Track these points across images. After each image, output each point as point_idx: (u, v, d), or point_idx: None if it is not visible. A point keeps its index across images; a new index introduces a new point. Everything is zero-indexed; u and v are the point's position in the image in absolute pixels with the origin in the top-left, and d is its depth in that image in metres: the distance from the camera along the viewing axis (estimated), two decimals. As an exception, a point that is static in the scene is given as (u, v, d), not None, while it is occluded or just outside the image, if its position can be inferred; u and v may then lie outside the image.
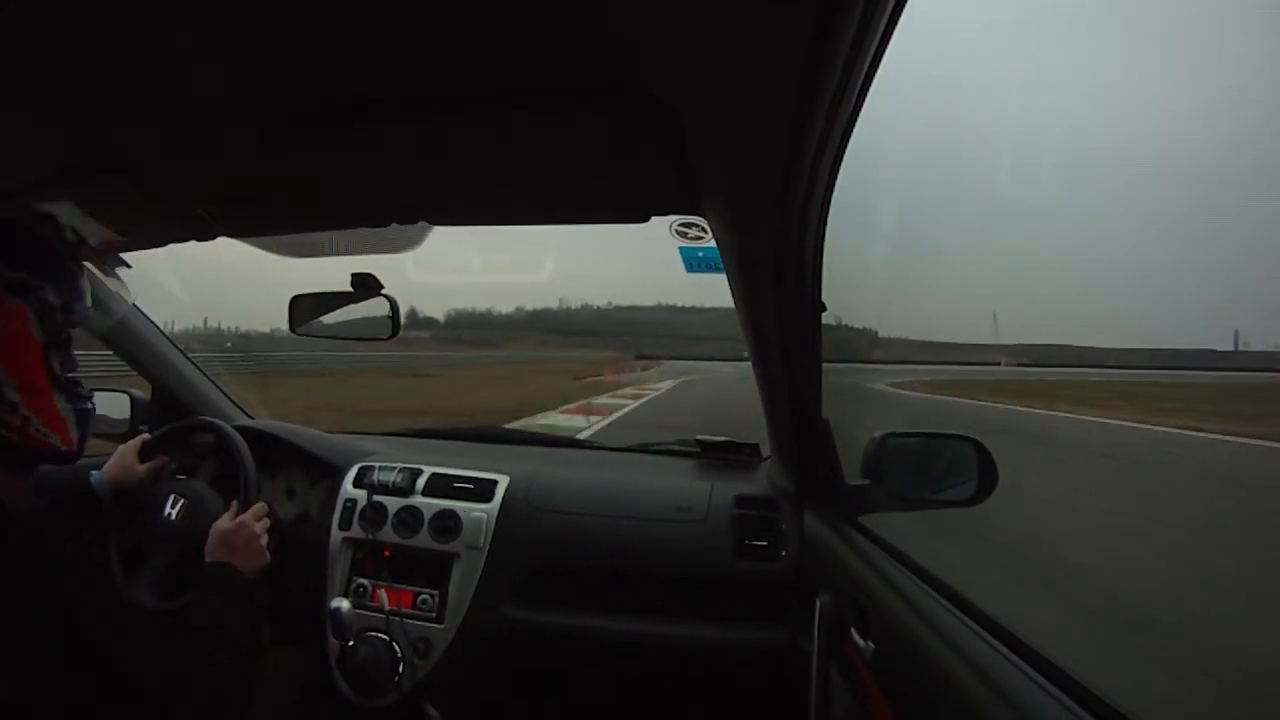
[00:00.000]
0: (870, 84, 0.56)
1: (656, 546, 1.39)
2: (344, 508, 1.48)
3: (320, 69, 0.60)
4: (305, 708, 1.32)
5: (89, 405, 0.89)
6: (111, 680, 0.74)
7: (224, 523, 1.13)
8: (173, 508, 1.27)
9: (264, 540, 1.14)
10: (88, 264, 1.32)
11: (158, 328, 1.67)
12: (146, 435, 1.37)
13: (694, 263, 1.13)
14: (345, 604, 1.33)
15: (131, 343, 1.61)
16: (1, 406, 0.79)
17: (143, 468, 1.33)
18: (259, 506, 1.20)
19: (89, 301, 0.91)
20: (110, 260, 1.14)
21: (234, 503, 1.20)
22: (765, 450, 1.62)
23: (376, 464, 1.53)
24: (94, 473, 1.28)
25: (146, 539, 1.29)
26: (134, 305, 1.54)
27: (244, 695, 0.90)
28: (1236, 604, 3.38)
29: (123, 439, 1.36)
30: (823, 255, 0.90)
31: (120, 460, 1.32)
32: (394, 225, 1.01)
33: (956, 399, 17.35)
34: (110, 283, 1.55)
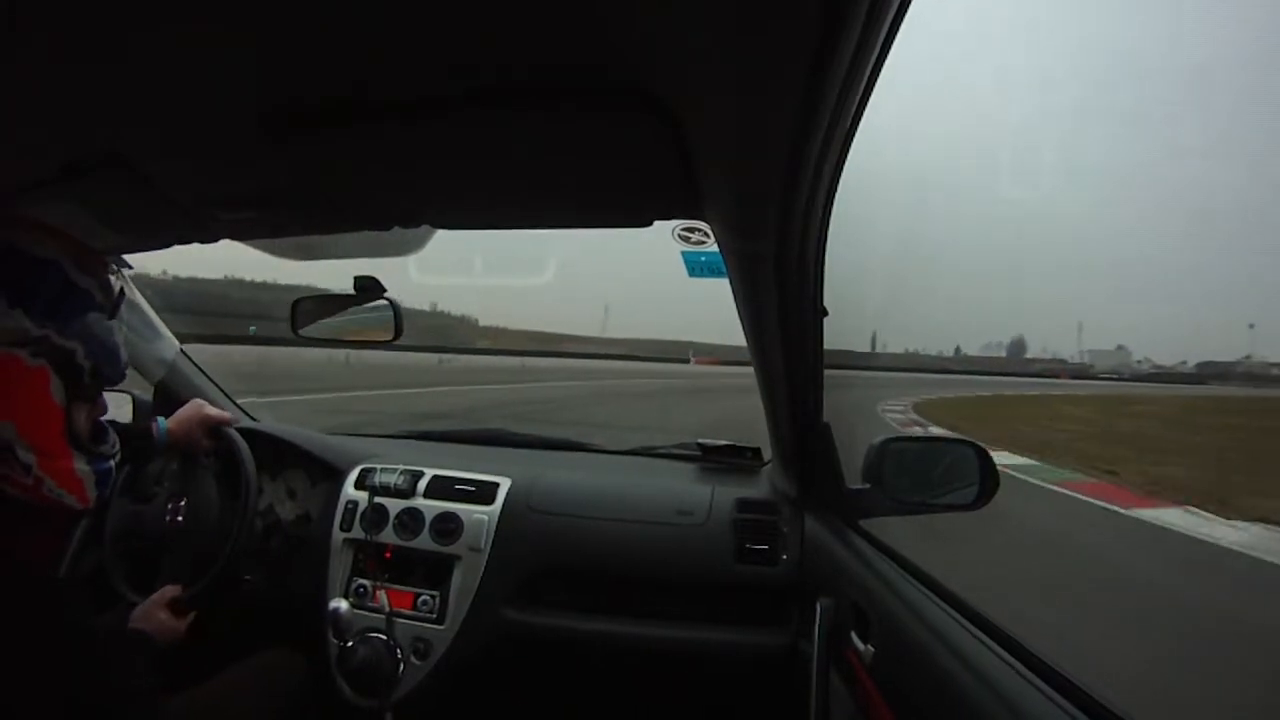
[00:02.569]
0: (874, 86, 0.56)
1: (657, 550, 1.39)
2: (345, 509, 1.49)
3: (322, 70, 0.60)
4: (303, 708, 1.32)
5: (109, 464, 0.87)
6: None
7: (159, 606, 1.13)
8: (177, 514, 1.29)
9: (171, 623, 1.12)
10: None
11: (159, 328, 1.67)
12: (227, 414, 1.40)
13: (696, 266, 1.13)
14: (344, 605, 1.34)
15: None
16: (14, 466, 0.76)
17: (207, 443, 1.35)
18: (168, 589, 1.17)
19: (123, 361, 0.87)
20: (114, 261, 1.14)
21: (164, 589, 1.17)
22: (767, 454, 1.62)
23: (378, 466, 1.53)
24: (160, 419, 1.29)
25: (147, 537, 1.30)
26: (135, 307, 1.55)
27: None
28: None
29: None
30: (824, 258, 0.91)
31: (188, 425, 1.32)
32: (396, 228, 1.01)
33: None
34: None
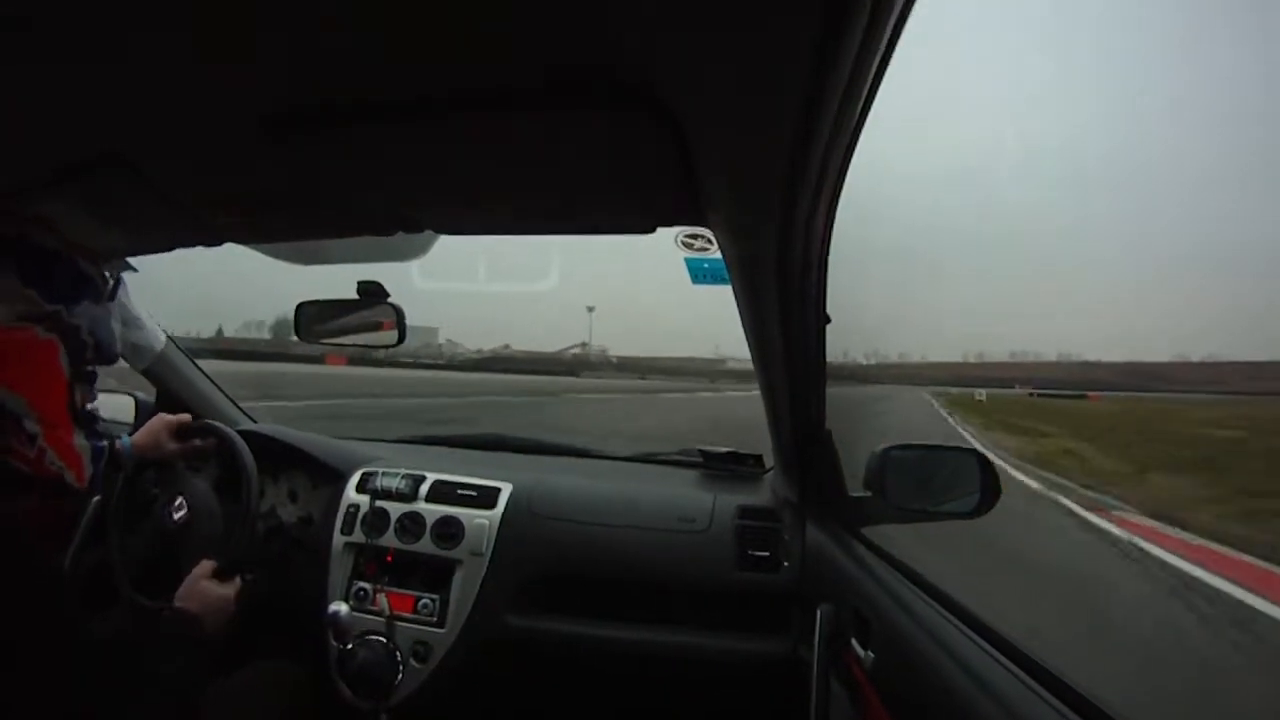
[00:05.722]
0: (876, 92, 0.56)
1: (659, 556, 1.39)
2: (346, 513, 1.49)
3: (322, 72, 0.61)
4: (303, 710, 1.32)
5: (103, 443, 0.91)
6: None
7: (201, 578, 1.11)
8: (176, 511, 1.28)
9: (220, 590, 1.12)
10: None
11: (161, 330, 1.68)
12: (187, 415, 1.38)
13: (699, 273, 1.13)
14: (344, 607, 1.34)
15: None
16: (20, 438, 0.79)
17: (175, 447, 1.34)
18: (205, 563, 1.15)
19: (117, 342, 0.92)
20: (115, 265, 1.15)
21: (211, 564, 1.16)
22: (769, 461, 1.62)
23: (380, 469, 1.53)
24: (124, 438, 1.29)
25: (148, 538, 1.30)
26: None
27: None
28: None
29: None
30: (827, 265, 0.91)
31: (153, 434, 1.32)
32: (400, 234, 1.01)
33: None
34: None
